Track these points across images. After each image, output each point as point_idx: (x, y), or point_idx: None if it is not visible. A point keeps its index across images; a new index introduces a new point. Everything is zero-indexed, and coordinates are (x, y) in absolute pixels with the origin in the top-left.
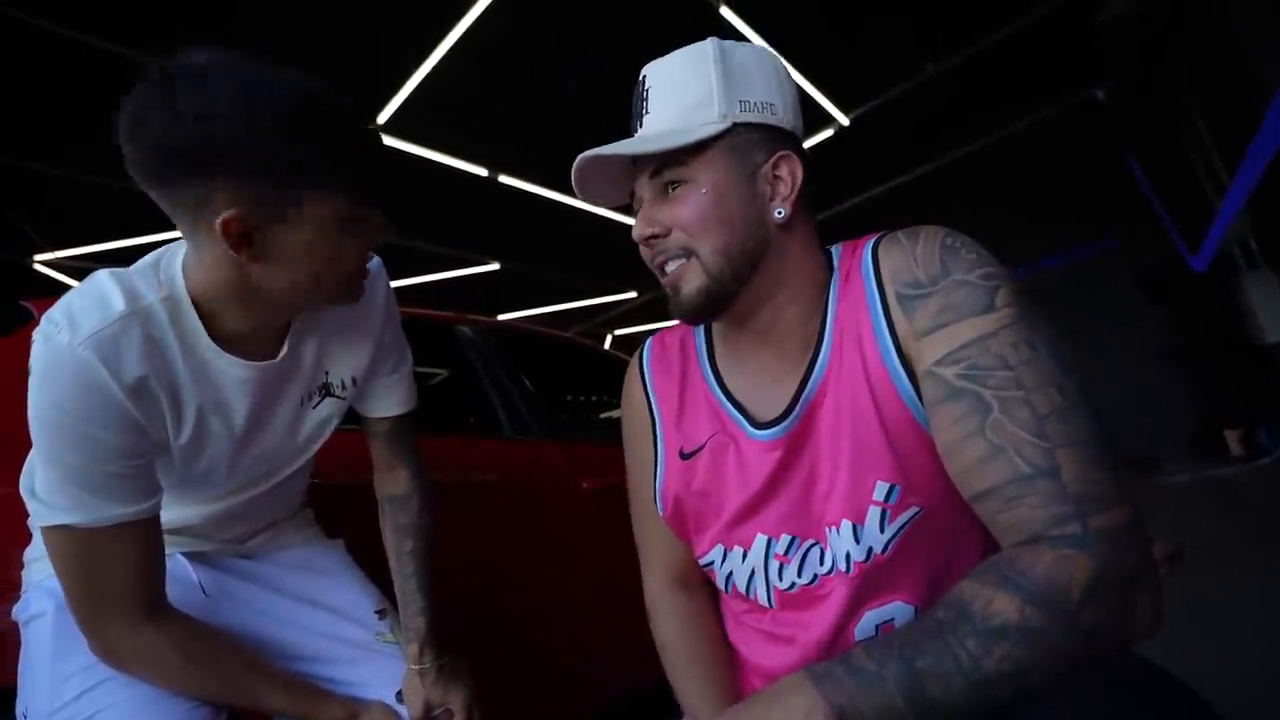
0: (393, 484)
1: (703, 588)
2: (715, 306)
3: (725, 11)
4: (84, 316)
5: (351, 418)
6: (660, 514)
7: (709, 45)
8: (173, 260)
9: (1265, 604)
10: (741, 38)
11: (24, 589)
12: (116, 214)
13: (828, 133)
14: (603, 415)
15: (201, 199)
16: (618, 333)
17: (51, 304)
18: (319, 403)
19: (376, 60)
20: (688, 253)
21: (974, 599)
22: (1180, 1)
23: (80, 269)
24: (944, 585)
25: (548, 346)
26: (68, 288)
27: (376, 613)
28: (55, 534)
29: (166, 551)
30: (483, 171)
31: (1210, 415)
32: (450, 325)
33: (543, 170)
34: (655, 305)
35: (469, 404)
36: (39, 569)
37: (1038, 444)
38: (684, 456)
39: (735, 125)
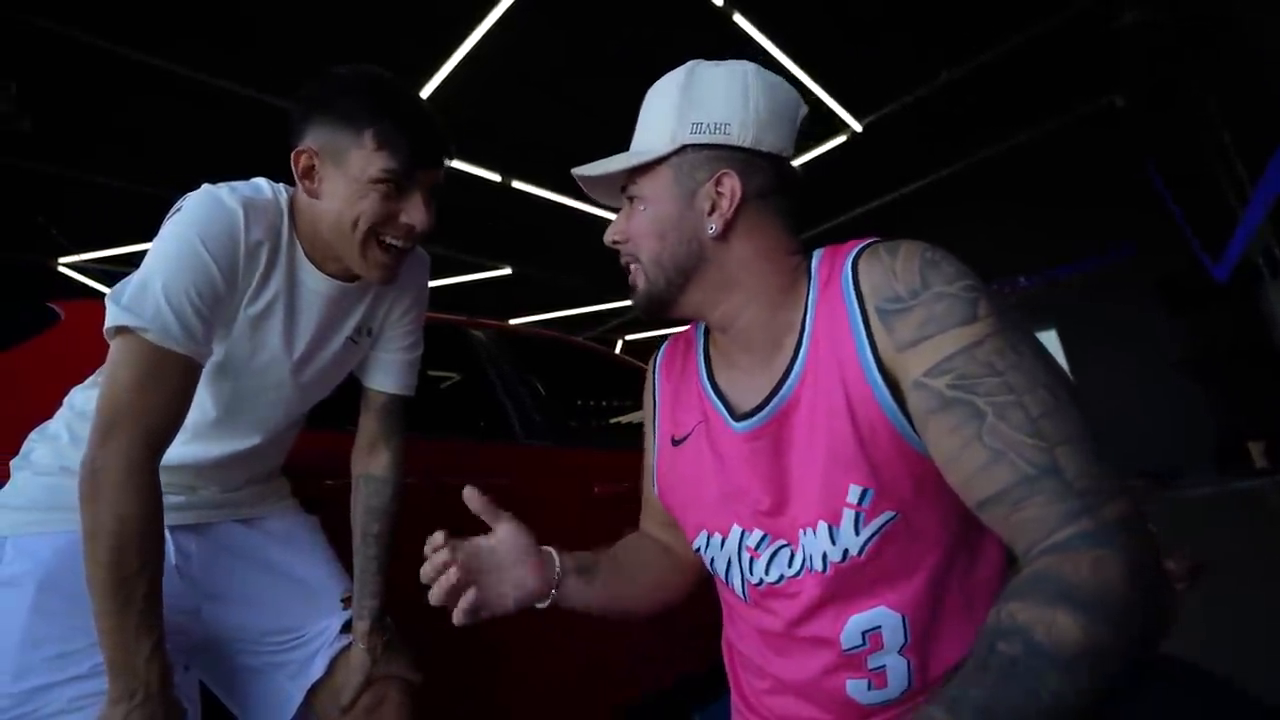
0: (372, 464)
1: (696, 570)
2: (657, 307)
3: (739, 19)
4: (242, 187)
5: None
6: (655, 496)
7: (682, 69)
8: (292, 194)
9: None
10: (755, 45)
11: None
12: (140, 217)
13: (840, 139)
14: (614, 420)
15: (299, 133)
16: (629, 338)
17: (78, 306)
18: (360, 343)
19: (391, 67)
20: (635, 259)
21: (1034, 624)
22: (1197, 8)
23: (104, 271)
24: (928, 594)
25: (559, 351)
26: (92, 290)
27: (342, 600)
28: (124, 340)
29: None
30: (495, 176)
31: (1234, 427)
32: (463, 329)
33: (555, 175)
34: None
35: (481, 408)
36: (13, 520)
37: (1036, 444)
38: (674, 443)
39: (685, 147)
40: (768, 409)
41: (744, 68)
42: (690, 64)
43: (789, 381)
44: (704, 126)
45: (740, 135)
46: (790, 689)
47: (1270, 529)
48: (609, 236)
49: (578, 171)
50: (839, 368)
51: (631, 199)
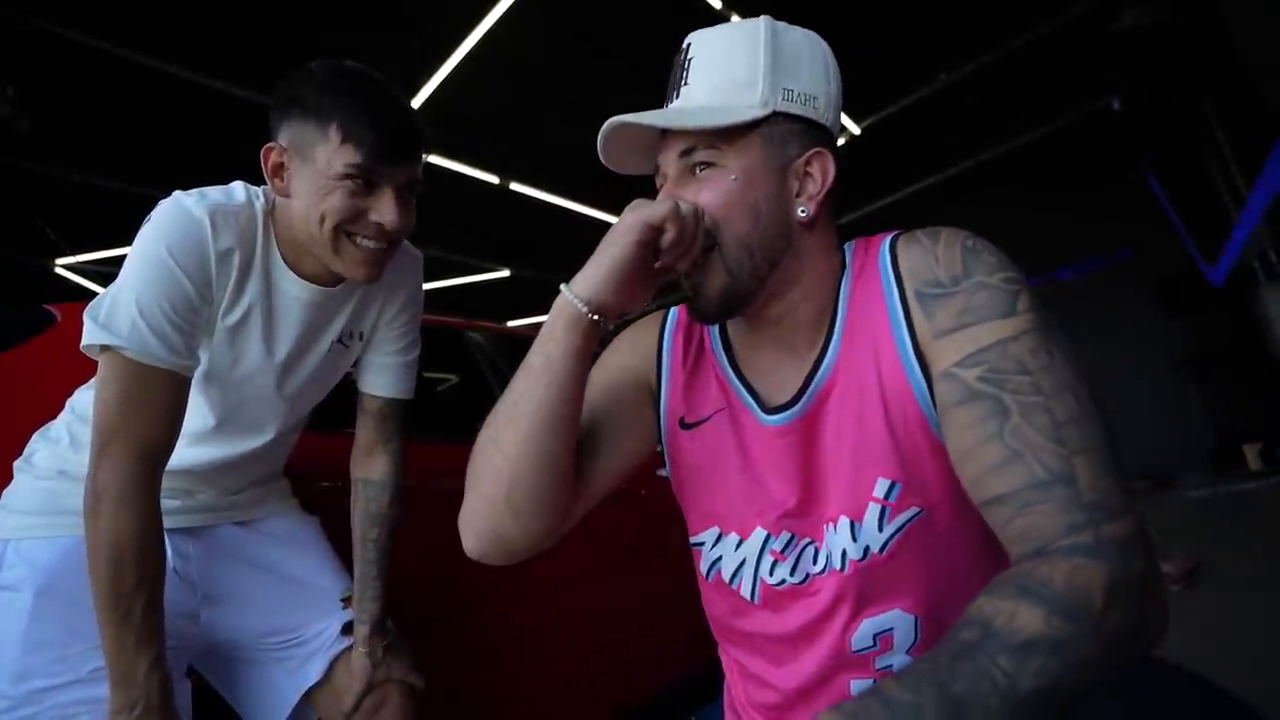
0: (370, 469)
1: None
2: (733, 304)
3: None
4: (212, 193)
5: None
6: (670, 478)
7: (761, 23)
8: (272, 197)
9: None
10: None
11: None
12: (138, 219)
13: (839, 141)
14: None
15: (274, 131)
16: None
17: (75, 308)
18: (350, 346)
19: (389, 70)
20: (710, 240)
21: (996, 615)
22: (1196, 11)
23: (101, 274)
24: (945, 596)
25: None
26: (89, 292)
27: (342, 600)
28: (107, 357)
29: None
30: (493, 179)
31: (1229, 430)
32: (460, 331)
33: (552, 177)
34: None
35: (478, 410)
36: (14, 524)
37: (1056, 450)
38: (684, 426)
39: (776, 114)
40: (801, 401)
41: (817, 36)
42: (764, 18)
43: (821, 372)
44: (796, 96)
45: (825, 113)
46: (792, 697)
47: (1265, 530)
48: (673, 204)
49: (626, 119)
50: (874, 356)
51: (700, 166)
